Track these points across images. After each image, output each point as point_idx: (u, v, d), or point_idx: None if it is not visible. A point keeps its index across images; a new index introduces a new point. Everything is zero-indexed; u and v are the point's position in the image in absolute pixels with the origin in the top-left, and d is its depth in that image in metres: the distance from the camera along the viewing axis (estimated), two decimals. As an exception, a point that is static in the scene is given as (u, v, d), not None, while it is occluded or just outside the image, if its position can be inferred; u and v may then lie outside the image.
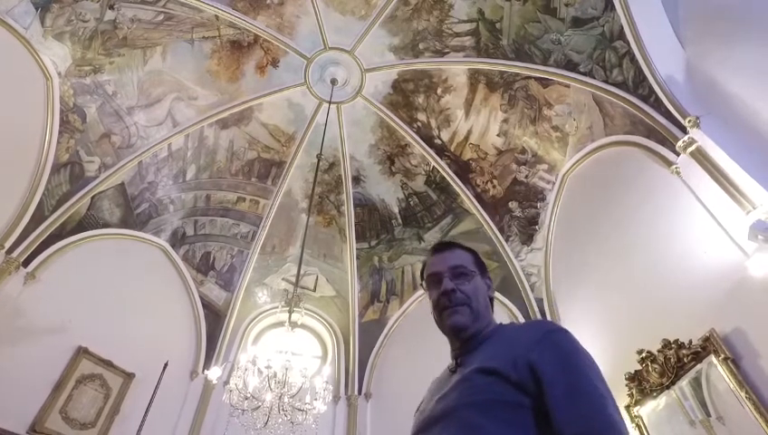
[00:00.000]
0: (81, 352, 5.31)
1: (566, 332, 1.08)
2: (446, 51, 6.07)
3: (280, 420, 4.45)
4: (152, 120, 6.26)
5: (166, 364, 5.05)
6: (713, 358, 3.38)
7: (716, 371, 3.36)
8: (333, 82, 6.47)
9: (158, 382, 4.89)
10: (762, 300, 3.20)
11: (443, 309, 1.21)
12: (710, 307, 3.48)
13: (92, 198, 5.91)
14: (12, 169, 5.14)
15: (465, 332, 1.19)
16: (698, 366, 3.52)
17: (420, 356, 6.81)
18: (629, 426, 3.97)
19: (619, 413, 0.94)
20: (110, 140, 5.97)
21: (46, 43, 5.08)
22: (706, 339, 3.45)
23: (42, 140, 5.26)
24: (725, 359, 3.31)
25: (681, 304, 3.76)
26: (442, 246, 1.35)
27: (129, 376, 5.60)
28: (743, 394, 3.14)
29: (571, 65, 5.17)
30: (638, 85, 4.46)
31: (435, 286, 1.25)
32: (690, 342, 3.60)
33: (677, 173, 4.02)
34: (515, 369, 0.99)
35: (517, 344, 1.05)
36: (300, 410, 4.55)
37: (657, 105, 4.25)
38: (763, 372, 3.14)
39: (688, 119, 3.86)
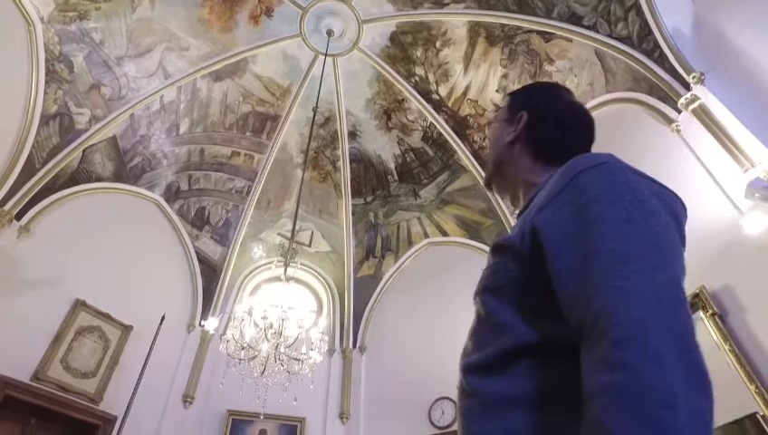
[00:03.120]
0: (79, 304, 5.37)
1: (605, 165, 0.73)
2: (447, 2, 5.86)
3: (276, 369, 4.57)
4: (143, 72, 6.07)
5: (163, 317, 5.11)
6: (700, 313, 3.45)
7: (703, 326, 3.43)
8: (329, 33, 6.25)
9: (156, 335, 4.97)
10: (753, 257, 3.25)
11: None
12: (702, 264, 3.51)
13: (84, 151, 5.79)
14: (-2, 119, 5.01)
15: (489, 188, 1.11)
16: (686, 322, 3.60)
17: (414, 311, 6.97)
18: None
19: (663, 284, 0.58)
20: (99, 91, 5.79)
21: (26, -15, 4.84)
22: (696, 295, 3.51)
23: (28, 90, 5.09)
24: (713, 314, 3.39)
25: (673, 261, 3.80)
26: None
27: (126, 328, 5.69)
28: (726, 347, 3.23)
29: (574, 18, 5.00)
30: (643, 40, 4.34)
31: None
32: (680, 298, 3.66)
33: (678, 131, 3.99)
34: (522, 239, 0.76)
35: (536, 205, 0.78)
36: (296, 359, 4.67)
37: (662, 61, 4.15)
38: (748, 326, 3.23)
39: (693, 75, 3.79)
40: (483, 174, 6.67)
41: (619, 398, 0.49)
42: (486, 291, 0.83)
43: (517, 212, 1.00)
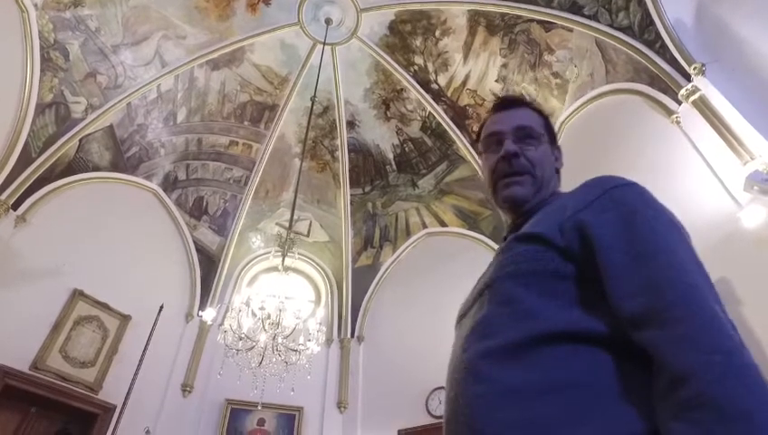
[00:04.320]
0: (77, 294, 5.37)
1: (636, 185, 0.83)
2: (446, -11, 5.79)
3: (274, 359, 4.58)
4: (139, 60, 6.01)
5: (161, 307, 5.12)
6: (697, 306, 3.45)
7: (700, 318, 3.44)
8: (328, 21, 6.18)
9: (154, 324, 4.98)
10: (750, 250, 3.25)
11: (501, 176, 1.01)
12: (700, 256, 3.51)
13: (80, 140, 5.75)
14: (-7, 108, 4.96)
15: (525, 205, 1.00)
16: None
17: (412, 301, 6.99)
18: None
19: (711, 290, 0.68)
20: (95, 79, 5.74)
21: (18, -30, 4.76)
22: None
23: (23, 78, 5.02)
24: (710, 307, 3.39)
25: (671, 253, 3.81)
26: (508, 102, 1.11)
27: (125, 318, 5.70)
28: (721, 339, 3.25)
29: (575, 8, 4.95)
30: (645, 30, 4.30)
31: (493, 149, 1.04)
32: (677, 290, 3.67)
33: (678, 123, 3.96)
34: (562, 233, 0.80)
35: (569, 206, 0.84)
36: (293, 350, 4.68)
37: (663, 51, 4.12)
38: (744, 319, 3.23)
39: (693, 66, 3.76)
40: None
41: (729, 376, 0.56)
42: (510, 277, 0.82)
43: (510, 223, 1.06)
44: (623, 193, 0.81)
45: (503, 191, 1.01)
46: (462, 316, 0.93)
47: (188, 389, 6.08)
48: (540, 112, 1.11)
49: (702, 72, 3.74)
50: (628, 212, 0.77)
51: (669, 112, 4.07)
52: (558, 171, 1.08)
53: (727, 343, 0.59)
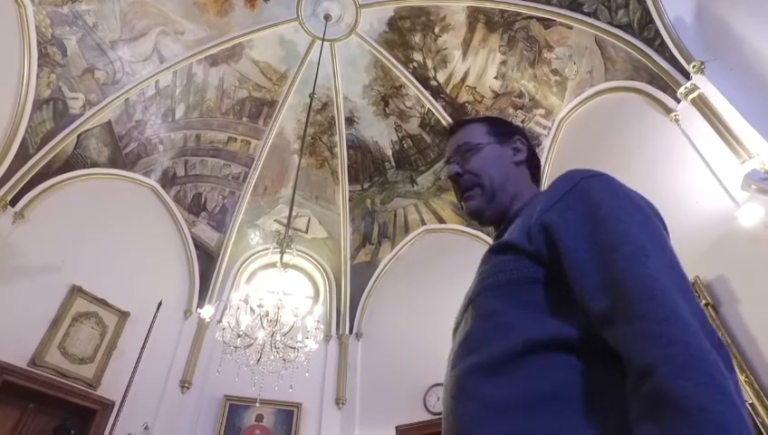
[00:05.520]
0: (76, 290, 5.37)
1: (604, 176, 0.81)
2: (446, -14, 5.77)
3: (272, 357, 4.59)
4: (137, 56, 5.98)
5: (160, 303, 5.12)
6: (694, 304, 3.47)
7: (697, 316, 3.46)
8: (327, 18, 6.16)
9: (153, 321, 4.98)
10: (747, 248, 3.26)
11: (459, 197, 1.08)
12: (697, 255, 3.52)
13: (78, 136, 5.73)
14: (-10, 104, 4.94)
15: (482, 215, 1.03)
16: (680, 312, 3.63)
17: (411, 298, 7.00)
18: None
19: (675, 277, 0.66)
20: (93, 75, 5.72)
21: (15, -35, 4.73)
22: (691, 285, 3.52)
23: (20, 73, 5.00)
24: (706, 304, 3.41)
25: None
26: (453, 127, 1.16)
27: (123, 314, 5.70)
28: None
29: (575, 5, 4.94)
30: (644, 28, 4.30)
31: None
32: (674, 288, 3.68)
33: (676, 121, 3.97)
34: (529, 238, 0.80)
35: (537, 207, 0.84)
36: (292, 347, 4.69)
37: (662, 49, 4.11)
38: (740, 316, 3.25)
39: (693, 64, 3.76)
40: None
41: (686, 368, 0.54)
42: (489, 289, 0.83)
43: (495, 233, 1.06)
44: (589, 186, 0.79)
45: (465, 209, 1.07)
46: (456, 329, 0.94)
47: (187, 385, 6.09)
48: (485, 120, 1.14)
49: (701, 71, 3.74)
50: (593, 206, 0.76)
51: (668, 110, 4.08)
52: (522, 164, 1.07)
53: (685, 335, 0.57)
